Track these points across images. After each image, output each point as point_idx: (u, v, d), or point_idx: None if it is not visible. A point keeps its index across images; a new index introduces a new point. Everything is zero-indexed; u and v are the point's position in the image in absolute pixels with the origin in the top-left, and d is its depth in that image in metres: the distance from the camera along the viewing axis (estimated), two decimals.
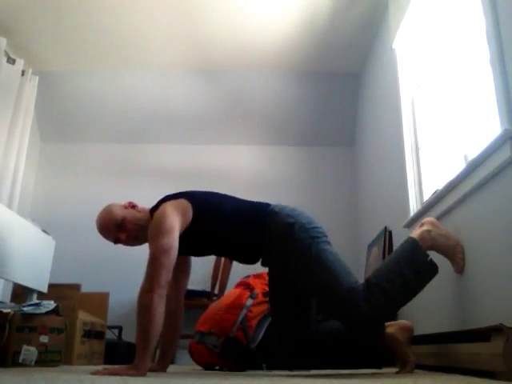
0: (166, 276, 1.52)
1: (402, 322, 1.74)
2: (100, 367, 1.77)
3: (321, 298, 1.67)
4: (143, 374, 1.42)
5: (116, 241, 1.73)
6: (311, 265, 1.63)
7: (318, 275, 1.62)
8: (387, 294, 1.58)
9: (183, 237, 1.65)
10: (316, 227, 1.71)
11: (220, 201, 1.77)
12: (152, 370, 1.77)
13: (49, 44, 3.37)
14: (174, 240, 1.58)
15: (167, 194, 1.79)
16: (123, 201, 1.81)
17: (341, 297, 1.58)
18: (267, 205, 1.78)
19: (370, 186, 3.40)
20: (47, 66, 3.61)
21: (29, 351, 1.94)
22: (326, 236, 1.71)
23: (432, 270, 1.63)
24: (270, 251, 1.72)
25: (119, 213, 1.71)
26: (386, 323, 1.72)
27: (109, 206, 1.75)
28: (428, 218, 1.73)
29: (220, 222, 1.71)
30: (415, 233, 1.68)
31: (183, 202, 1.68)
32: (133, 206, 1.76)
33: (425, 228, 1.67)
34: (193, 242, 1.73)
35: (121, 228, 1.70)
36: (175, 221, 1.61)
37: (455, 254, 1.65)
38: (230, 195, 1.83)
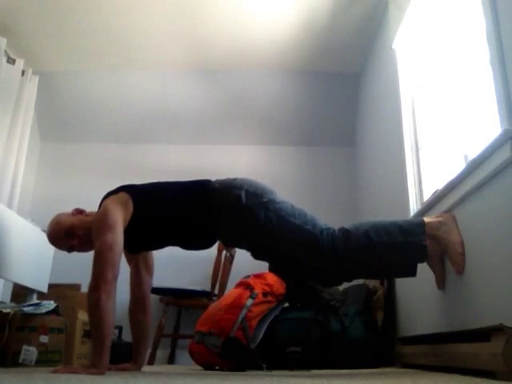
0: (112, 271, 1.52)
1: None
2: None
3: (293, 248, 1.71)
4: (102, 373, 1.42)
5: (70, 249, 1.74)
6: (275, 227, 1.67)
7: (285, 233, 1.66)
8: (368, 238, 1.64)
9: (132, 231, 1.66)
10: (262, 187, 1.75)
11: (159, 186, 1.79)
12: (127, 369, 1.78)
13: (49, 44, 3.37)
14: (117, 235, 1.58)
15: None
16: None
17: (314, 239, 1.64)
18: (207, 182, 1.78)
19: (369, 185, 3.40)
20: (47, 66, 3.61)
21: (29, 351, 1.95)
22: (275, 193, 1.76)
23: (419, 253, 1.66)
24: (226, 229, 1.74)
25: (67, 221, 1.71)
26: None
27: (56, 216, 1.76)
28: (448, 213, 1.75)
29: (162, 207, 1.73)
30: (428, 218, 1.73)
31: (122, 195, 1.70)
32: (80, 212, 1.76)
33: (440, 219, 1.71)
34: (143, 235, 1.74)
35: (71, 235, 1.70)
36: (117, 215, 1.62)
37: (455, 252, 1.66)
38: (169, 181, 1.83)
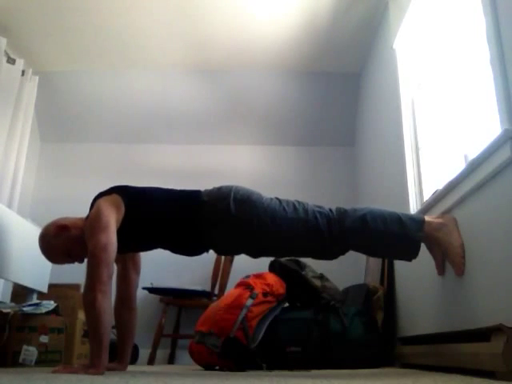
0: (107, 272, 1.52)
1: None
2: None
3: (293, 242, 1.71)
4: (101, 373, 1.43)
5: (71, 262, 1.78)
6: (270, 228, 1.67)
7: (282, 231, 1.67)
8: (363, 222, 1.65)
9: (123, 232, 1.66)
10: (248, 192, 1.75)
11: (151, 192, 1.79)
12: (112, 369, 1.77)
13: (49, 44, 3.37)
14: (110, 235, 1.59)
15: None
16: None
17: (310, 226, 1.66)
18: (196, 195, 1.78)
19: (370, 186, 3.40)
20: (47, 66, 3.61)
21: (29, 351, 1.95)
22: (260, 194, 1.76)
23: (413, 249, 1.67)
24: (221, 240, 1.75)
25: (59, 246, 1.72)
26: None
27: (44, 239, 1.74)
28: (450, 215, 1.74)
29: (151, 215, 1.73)
30: (430, 217, 1.73)
31: (114, 196, 1.71)
32: (63, 228, 1.73)
33: (441, 220, 1.71)
34: (132, 236, 1.74)
35: (68, 256, 1.73)
36: (110, 216, 1.63)
37: (456, 255, 1.65)
38: (161, 187, 1.84)
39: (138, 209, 1.72)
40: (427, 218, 1.73)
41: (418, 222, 1.68)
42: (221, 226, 1.71)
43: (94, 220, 1.62)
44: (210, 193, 1.77)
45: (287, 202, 1.73)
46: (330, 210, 1.71)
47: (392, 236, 1.66)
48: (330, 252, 1.74)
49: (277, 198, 1.74)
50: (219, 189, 1.77)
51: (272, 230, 1.68)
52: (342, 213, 1.69)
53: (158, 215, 1.73)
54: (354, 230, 1.66)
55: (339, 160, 3.99)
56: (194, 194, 1.78)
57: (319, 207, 1.72)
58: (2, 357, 1.89)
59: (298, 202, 1.73)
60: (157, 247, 1.83)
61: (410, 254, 1.70)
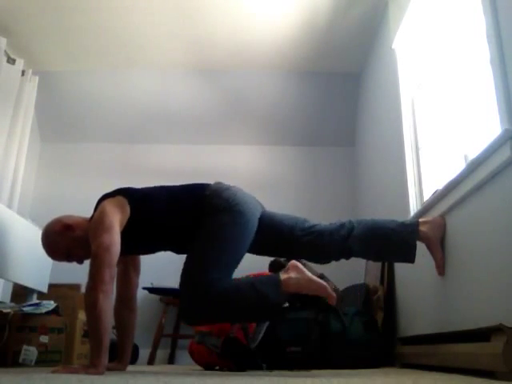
0: (109, 272, 1.53)
1: (435, 219, 1.83)
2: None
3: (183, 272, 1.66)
4: (101, 372, 1.43)
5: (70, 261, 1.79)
6: (209, 239, 1.66)
7: (202, 250, 1.64)
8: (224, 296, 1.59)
9: (127, 233, 1.66)
10: (246, 206, 1.71)
11: (155, 191, 1.79)
12: (112, 368, 1.78)
13: (49, 44, 3.37)
14: (113, 236, 1.59)
15: None
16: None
17: (194, 281, 1.60)
18: (202, 189, 1.77)
19: (370, 186, 3.40)
20: (47, 66, 3.61)
21: (29, 351, 1.95)
22: (253, 217, 1.72)
23: (273, 311, 1.59)
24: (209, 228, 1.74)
25: (62, 244, 1.72)
26: (420, 220, 1.82)
27: (47, 237, 1.74)
28: (292, 262, 1.63)
29: (157, 213, 1.73)
30: (283, 275, 1.61)
31: (119, 198, 1.71)
32: (68, 228, 1.73)
33: (291, 275, 1.60)
34: (137, 238, 1.74)
35: (70, 256, 1.74)
36: (114, 217, 1.63)
37: (324, 292, 1.57)
38: (165, 186, 1.83)
39: (143, 210, 1.72)
40: (281, 274, 1.61)
41: (275, 283, 1.58)
42: (212, 215, 1.70)
43: (97, 221, 1.62)
44: (216, 189, 1.76)
45: (235, 257, 1.67)
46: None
47: (249, 304, 1.59)
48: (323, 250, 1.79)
49: (244, 244, 1.69)
50: (226, 189, 1.76)
51: (207, 241, 1.66)
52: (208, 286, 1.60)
53: (163, 218, 1.73)
54: (214, 300, 1.59)
55: (339, 160, 3.99)
56: (199, 189, 1.77)
57: (222, 284, 1.60)
58: (2, 357, 1.89)
59: (228, 264, 1.65)
60: (160, 249, 1.83)
61: (270, 315, 1.64)
